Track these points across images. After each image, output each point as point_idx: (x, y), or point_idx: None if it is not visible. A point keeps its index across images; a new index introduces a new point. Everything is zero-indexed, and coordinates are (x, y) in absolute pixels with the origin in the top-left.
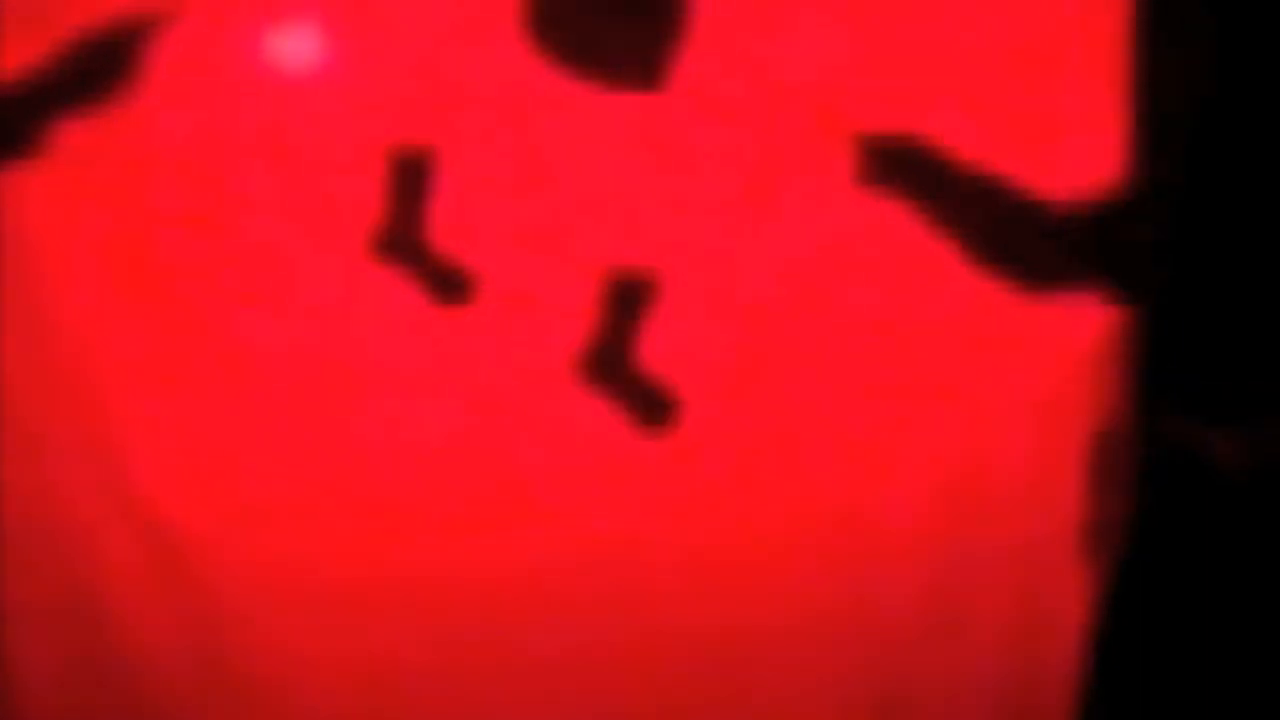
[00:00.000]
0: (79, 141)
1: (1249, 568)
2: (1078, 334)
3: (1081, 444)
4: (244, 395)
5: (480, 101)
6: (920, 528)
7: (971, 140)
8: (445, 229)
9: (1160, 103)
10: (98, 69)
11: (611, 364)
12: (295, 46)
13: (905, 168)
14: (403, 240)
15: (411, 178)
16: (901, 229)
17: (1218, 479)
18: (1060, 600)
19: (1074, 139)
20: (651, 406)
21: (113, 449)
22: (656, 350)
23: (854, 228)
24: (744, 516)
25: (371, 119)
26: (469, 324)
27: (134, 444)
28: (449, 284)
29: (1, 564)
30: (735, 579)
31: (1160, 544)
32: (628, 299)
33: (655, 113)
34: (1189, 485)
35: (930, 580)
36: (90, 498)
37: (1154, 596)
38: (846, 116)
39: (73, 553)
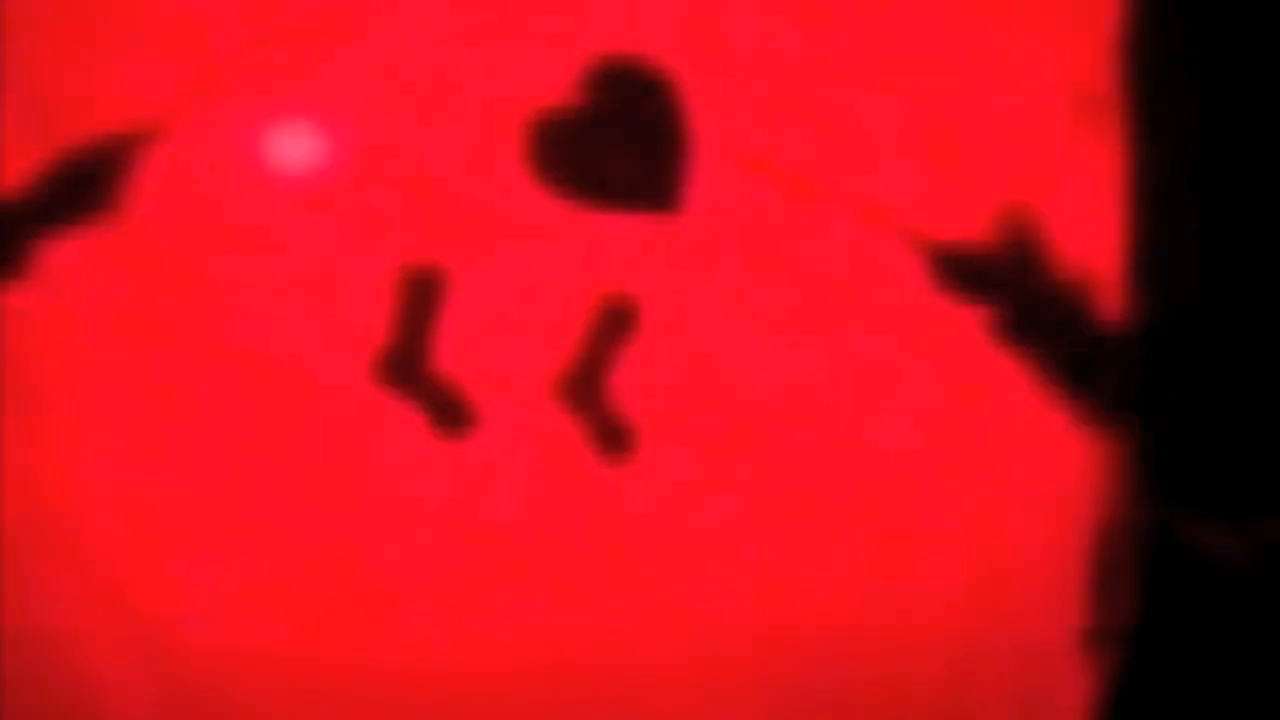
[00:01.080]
0: (67, 260)
1: (1250, 661)
2: (1086, 438)
3: (1088, 543)
4: (234, 505)
5: (484, 229)
6: (935, 620)
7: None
8: (451, 355)
9: (1161, 202)
10: (85, 187)
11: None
12: (293, 161)
13: (973, 275)
14: (406, 365)
15: (419, 300)
16: (959, 337)
17: (1218, 573)
18: (1063, 698)
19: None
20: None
21: (102, 556)
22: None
23: (905, 329)
24: (741, 599)
25: (374, 239)
26: (469, 454)
27: (123, 549)
28: (450, 414)
29: None
30: (730, 663)
31: (1162, 639)
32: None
33: (673, 232)
34: (1190, 580)
35: (942, 672)
36: (82, 603)
37: (1156, 691)
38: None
39: (63, 653)
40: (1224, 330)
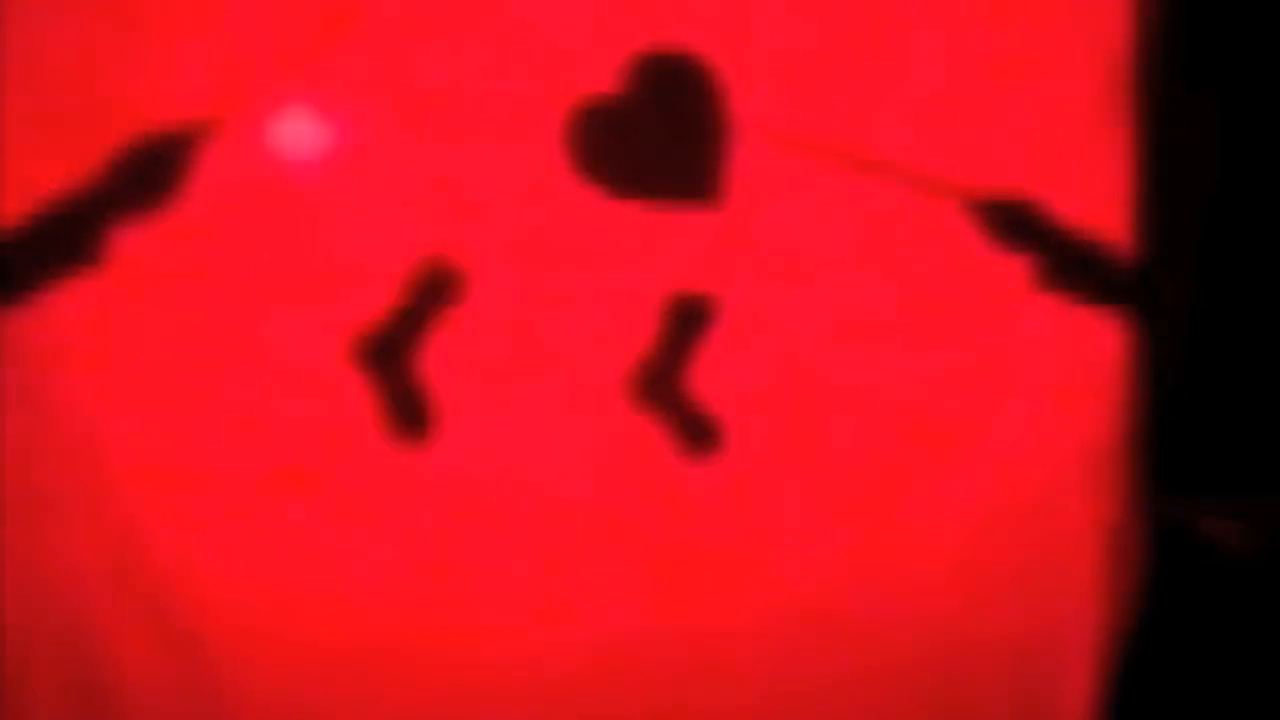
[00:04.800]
0: (133, 246)
1: (1252, 646)
2: (1089, 418)
3: (1090, 535)
4: (268, 492)
5: (515, 218)
6: (932, 606)
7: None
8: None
9: (1169, 190)
10: (147, 177)
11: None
12: (326, 154)
13: (1016, 225)
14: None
15: (433, 291)
16: (1009, 288)
17: (1219, 560)
18: (1061, 691)
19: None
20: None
21: (133, 544)
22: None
23: (962, 285)
24: (765, 583)
25: (400, 232)
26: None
27: (154, 538)
28: (415, 415)
29: (15, 647)
30: (744, 656)
31: (1167, 624)
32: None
33: (719, 221)
34: (1191, 567)
35: (934, 660)
36: (107, 588)
37: (1159, 677)
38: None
39: (85, 639)
40: (1230, 318)
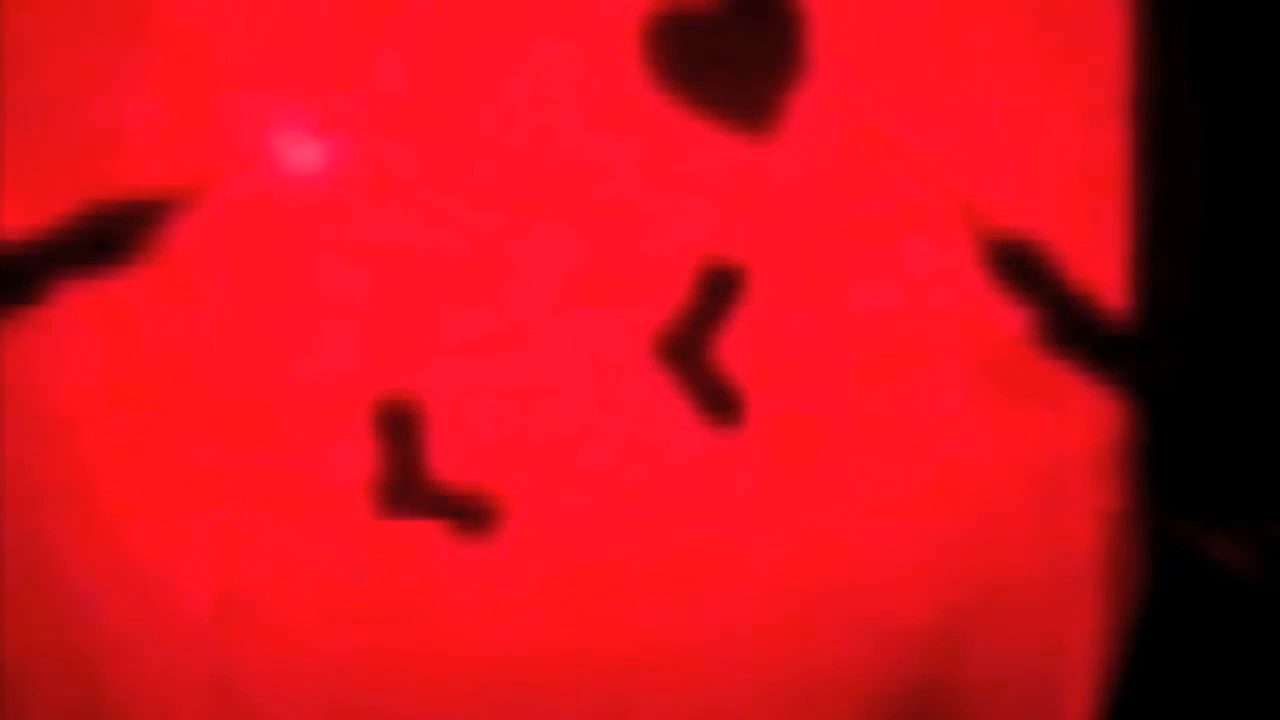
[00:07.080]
0: (77, 300)
1: (1255, 668)
2: (1089, 421)
3: (1090, 546)
4: (260, 507)
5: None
6: (931, 596)
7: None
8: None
9: (1163, 242)
10: (106, 238)
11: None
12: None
13: (1018, 265)
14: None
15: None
16: (990, 310)
17: (1223, 579)
18: (1063, 706)
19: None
20: (721, 403)
21: (130, 550)
22: (734, 346)
23: (938, 300)
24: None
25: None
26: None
27: (140, 531)
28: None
29: (13, 658)
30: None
31: (1166, 642)
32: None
33: (763, 159)
34: (1195, 588)
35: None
36: (96, 573)
37: (1161, 696)
38: (967, 206)
39: (83, 648)
40: (1226, 334)
